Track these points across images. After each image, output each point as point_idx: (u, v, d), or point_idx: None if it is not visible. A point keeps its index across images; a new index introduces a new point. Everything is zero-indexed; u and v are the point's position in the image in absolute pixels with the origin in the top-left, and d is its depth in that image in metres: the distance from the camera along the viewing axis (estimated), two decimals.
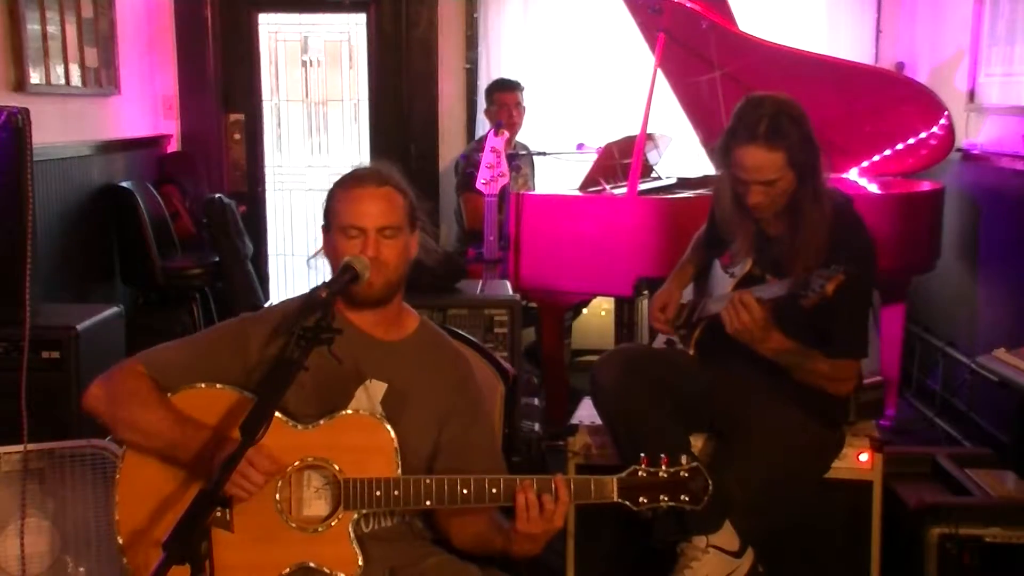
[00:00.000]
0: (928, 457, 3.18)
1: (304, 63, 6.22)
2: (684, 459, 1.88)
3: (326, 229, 2.03)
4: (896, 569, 2.76)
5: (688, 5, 4.28)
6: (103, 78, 5.02)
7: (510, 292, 3.69)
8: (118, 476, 1.94)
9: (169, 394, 1.94)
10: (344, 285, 1.87)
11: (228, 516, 1.87)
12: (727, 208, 2.64)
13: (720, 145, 2.55)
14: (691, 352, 2.74)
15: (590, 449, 2.81)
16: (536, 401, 3.63)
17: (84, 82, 4.80)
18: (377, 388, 1.99)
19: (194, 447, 1.86)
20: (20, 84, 4.15)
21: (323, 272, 2.05)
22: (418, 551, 2.01)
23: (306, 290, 1.85)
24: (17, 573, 2.44)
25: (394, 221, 1.97)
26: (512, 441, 2.30)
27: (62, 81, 4.57)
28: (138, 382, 1.94)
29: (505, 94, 5.08)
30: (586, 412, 2.93)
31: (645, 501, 1.86)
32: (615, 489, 1.86)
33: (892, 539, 2.74)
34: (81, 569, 2.49)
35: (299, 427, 1.91)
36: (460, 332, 2.37)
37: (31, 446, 2.46)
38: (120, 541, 1.93)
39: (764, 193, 2.50)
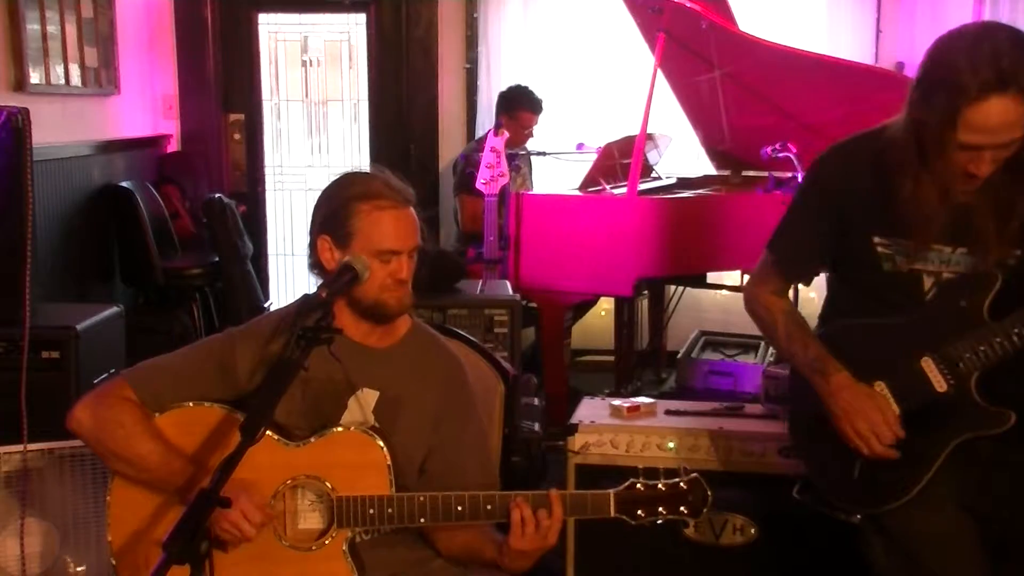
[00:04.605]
0: None
1: (304, 63, 6.21)
2: (683, 470, 1.84)
3: (340, 245, 1.93)
4: None
5: (688, 5, 4.28)
6: (103, 78, 5.02)
7: (510, 292, 3.69)
8: (109, 498, 1.94)
9: (157, 414, 1.92)
10: (344, 285, 1.85)
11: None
12: (926, 196, 1.89)
13: (940, 107, 1.80)
14: (978, 400, 1.94)
15: (589, 449, 2.81)
16: (536, 401, 3.62)
17: (84, 82, 4.80)
18: (369, 397, 1.97)
19: (183, 481, 1.84)
20: (20, 84, 4.15)
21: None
22: (420, 554, 2.01)
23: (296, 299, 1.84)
24: (17, 573, 2.43)
25: (418, 241, 1.97)
26: (512, 441, 2.29)
27: (62, 81, 4.56)
28: (127, 411, 1.90)
29: (533, 115, 5.10)
30: (586, 412, 2.93)
31: (643, 514, 1.82)
32: (612, 504, 1.82)
33: None
34: (81, 568, 2.48)
35: (290, 445, 1.89)
36: (460, 332, 2.36)
37: (31, 446, 2.46)
38: (113, 562, 1.93)
39: (996, 160, 1.84)
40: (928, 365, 1.95)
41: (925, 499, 1.97)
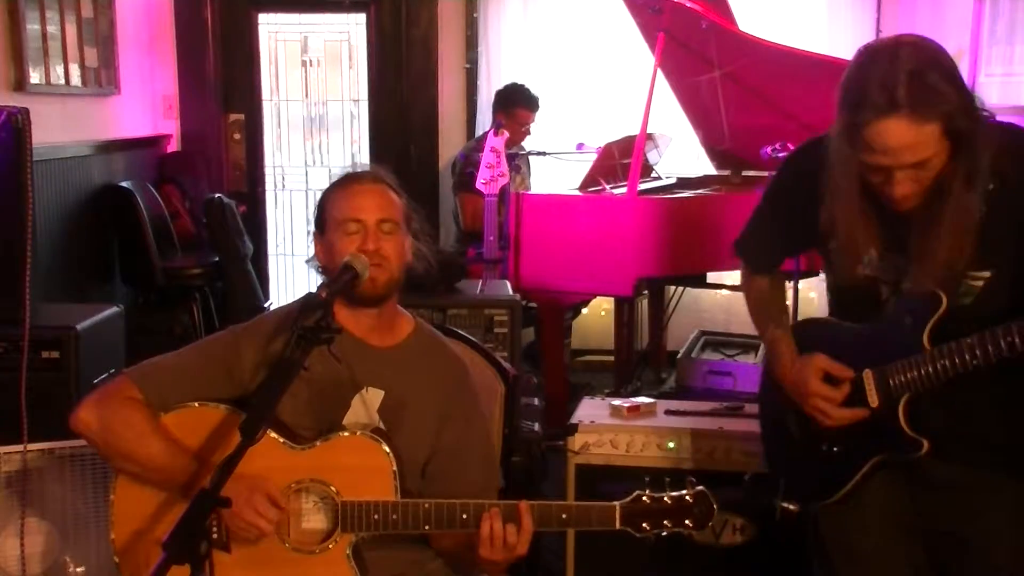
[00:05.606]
0: None
1: (304, 63, 6.21)
2: (689, 482, 1.83)
3: (320, 233, 2.01)
4: None
5: (688, 5, 4.29)
6: (103, 78, 5.02)
7: (510, 292, 3.69)
8: (113, 496, 1.94)
9: (162, 413, 1.92)
10: (344, 285, 1.85)
11: (225, 537, 1.84)
12: (850, 205, 1.86)
13: (844, 124, 1.78)
14: (907, 430, 1.91)
15: (589, 449, 2.81)
16: (536, 401, 3.62)
17: (84, 82, 4.80)
18: (374, 396, 1.97)
19: (187, 478, 1.84)
20: (20, 84, 4.15)
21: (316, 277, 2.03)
22: (419, 555, 2.01)
23: (299, 296, 1.85)
24: (17, 573, 2.43)
25: (392, 215, 1.96)
26: (512, 441, 2.29)
27: (62, 81, 4.56)
28: (134, 411, 1.90)
29: (530, 112, 5.11)
30: (586, 412, 2.93)
31: (648, 527, 1.81)
32: (618, 516, 1.82)
33: None
34: (81, 569, 2.48)
35: (295, 448, 1.89)
36: (460, 332, 2.36)
37: (31, 446, 2.46)
38: (115, 560, 1.93)
39: (914, 178, 1.78)
40: (868, 379, 1.94)
41: (853, 512, 2.01)
